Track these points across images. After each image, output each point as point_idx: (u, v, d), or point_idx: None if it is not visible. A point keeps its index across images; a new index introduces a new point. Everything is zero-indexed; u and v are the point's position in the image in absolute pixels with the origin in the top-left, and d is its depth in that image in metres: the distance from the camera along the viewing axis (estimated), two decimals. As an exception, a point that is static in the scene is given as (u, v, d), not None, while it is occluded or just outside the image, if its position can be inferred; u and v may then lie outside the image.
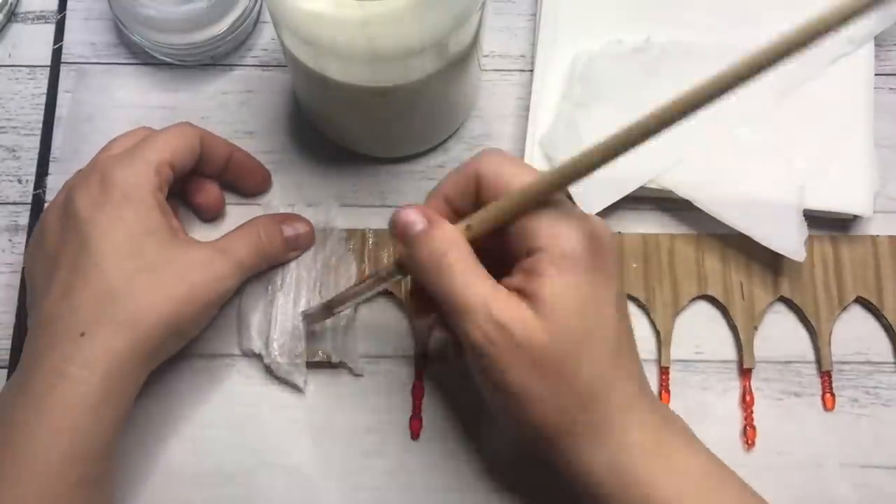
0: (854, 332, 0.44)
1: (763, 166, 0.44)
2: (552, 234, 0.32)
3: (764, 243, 0.43)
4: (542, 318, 0.32)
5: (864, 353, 0.44)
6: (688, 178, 0.44)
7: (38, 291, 0.38)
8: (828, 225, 0.45)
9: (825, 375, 0.43)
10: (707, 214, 0.44)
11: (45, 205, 0.46)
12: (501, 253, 0.34)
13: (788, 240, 0.42)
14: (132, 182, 0.38)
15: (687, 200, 0.44)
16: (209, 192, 0.44)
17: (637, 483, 0.32)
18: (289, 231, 0.43)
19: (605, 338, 0.33)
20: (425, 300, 0.36)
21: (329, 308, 0.40)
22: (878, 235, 0.45)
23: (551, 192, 0.32)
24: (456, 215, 0.35)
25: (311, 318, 0.42)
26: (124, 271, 0.36)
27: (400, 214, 0.34)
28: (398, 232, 0.34)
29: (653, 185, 0.44)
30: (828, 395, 0.43)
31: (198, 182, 0.44)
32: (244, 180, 0.45)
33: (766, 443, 0.42)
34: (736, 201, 0.43)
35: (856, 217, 0.45)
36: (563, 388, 0.32)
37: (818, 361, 0.43)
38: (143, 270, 0.37)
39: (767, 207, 0.43)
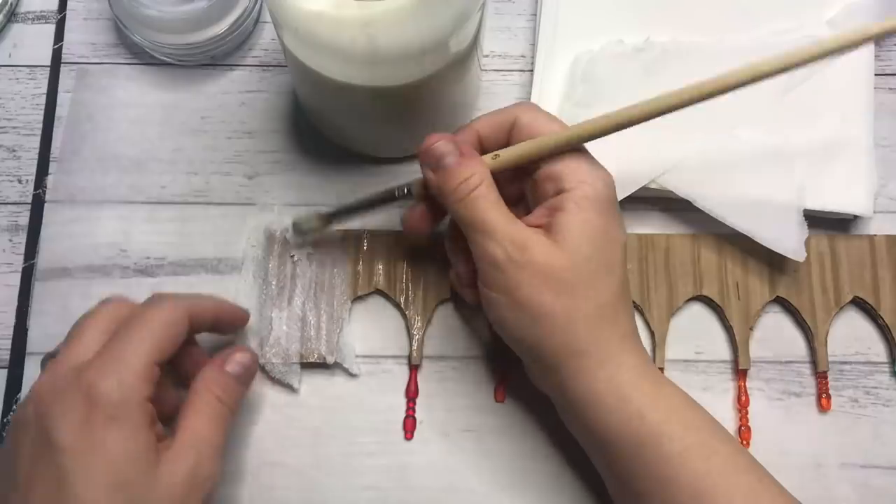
0: (854, 332, 0.44)
1: (763, 166, 0.44)
2: (578, 178, 0.36)
3: (764, 243, 0.43)
4: (560, 244, 0.35)
5: (864, 354, 0.44)
6: (688, 178, 0.44)
7: None
8: (828, 225, 0.45)
9: (821, 376, 0.43)
10: (707, 215, 0.44)
11: (46, 205, 0.46)
12: (517, 202, 0.39)
13: (789, 240, 0.42)
14: (118, 398, 0.33)
15: (686, 200, 0.44)
16: (197, 361, 0.39)
17: (633, 400, 0.35)
18: (235, 368, 0.38)
19: (615, 271, 0.37)
20: (432, 212, 0.40)
21: (329, 219, 0.42)
22: (875, 235, 0.45)
23: (577, 143, 0.37)
24: (481, 151, 0.38)
25: (303, 226, 0.43)
26: None
27: (435, 144, 0.37)
28: (431, 159, 0.37)
29: (653, 185, 0.44)
30: (823, 398, 0.43)
31: (184, 350, 0.37)
32: (227, 328, 0.41)
33: (766, 443, 0.42)
34: (736, 201, 0.43)
35: (856, 217, 0.45)
36: (576, 308, 0.35)
37: (814, 362, 0.43)
38: (130, 502, 0.32)
39: (767, 207, 0.43)
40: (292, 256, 0.44)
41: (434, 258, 0.44)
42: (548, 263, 0.35)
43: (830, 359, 0.43)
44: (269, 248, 0.45)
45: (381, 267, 0.44)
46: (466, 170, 0.36)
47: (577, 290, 0.35)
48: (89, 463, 0.32)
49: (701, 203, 0.43)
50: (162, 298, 0.37)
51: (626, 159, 0.44)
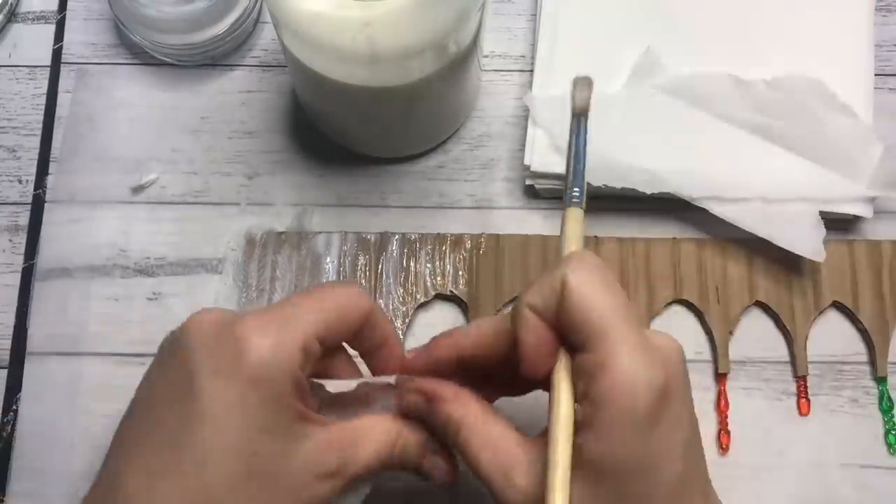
0: (852, 333, 0.44)
1: (772, 169, 0.44)
2: (612, 384, 0.27)
3: (782, 245, 0.43)
4: (588, 482, 0.28)
5: (862, 353, 0.44)
6: (692, 182, 0.43)
7: (121, 450, 0.31)
8: (827, 225, 0.44)
9: (801, 380, 0.43)
10: (711, 216, 0.43)
11: (46, 205, 0.46)
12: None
13: (806, 240, 0.42)
14: (268, 360, 0.30)
15: (686, 201, 0.44)
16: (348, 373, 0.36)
17: None
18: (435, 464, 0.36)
19: (662, 496, 0.28)
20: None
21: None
22: (854, 240, 0.44)
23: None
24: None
25: None
26: (230, 477, 0.29)
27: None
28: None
29: (664, 190, 0.44)
30: (802, 400, 0.42)
31: (335, 357, 0.35)
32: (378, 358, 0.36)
33: (765, 443, 0.42)
34: (750, 206, 0.43)
35: (855, 217, 0.45)
36: None
37: (793, 365, 0.43)
38: (253, 478, 0.30)
39: (782, 210, 0.43)
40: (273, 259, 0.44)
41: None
42: None
43: (830, 359, 0.43)
44: (248, 252, 0.45)
45: (361, 269, 0.44)
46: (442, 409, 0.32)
47: None
48: (222, 419, 0.29)
49: (715, 209, 0.43)
50: (349, 287, 0.34)
51: (634, 161, 0.44)
